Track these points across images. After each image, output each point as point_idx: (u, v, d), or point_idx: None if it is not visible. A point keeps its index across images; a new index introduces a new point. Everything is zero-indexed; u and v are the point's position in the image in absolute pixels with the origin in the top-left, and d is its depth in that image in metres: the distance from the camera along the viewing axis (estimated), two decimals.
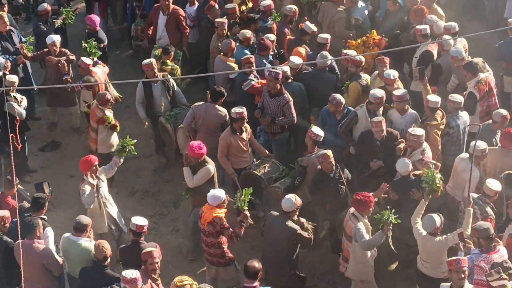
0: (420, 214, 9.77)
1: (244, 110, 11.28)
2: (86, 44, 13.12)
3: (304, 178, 10.93)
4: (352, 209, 9.86)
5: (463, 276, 8.52)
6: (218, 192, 10.00)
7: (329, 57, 12.34)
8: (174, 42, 14.06)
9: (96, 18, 14.06)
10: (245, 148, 11.49)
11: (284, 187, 11.03)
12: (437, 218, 9.49)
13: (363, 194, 9.76)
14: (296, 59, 12.35)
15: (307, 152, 11.06)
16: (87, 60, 12.84)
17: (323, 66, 12.35)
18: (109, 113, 12.12)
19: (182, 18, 14.27)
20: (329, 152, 10.54)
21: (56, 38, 13.36)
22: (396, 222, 9.52)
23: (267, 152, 11.69)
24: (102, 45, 13.68)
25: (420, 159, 10.54)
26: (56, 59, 13.20)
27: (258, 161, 11.64)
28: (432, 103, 11.14)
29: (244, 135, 11.43)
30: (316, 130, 10.98)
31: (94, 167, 10.68)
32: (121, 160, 11.19)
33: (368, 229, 9.72)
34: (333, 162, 10.54)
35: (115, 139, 12.20)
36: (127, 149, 11.03)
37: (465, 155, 10.67)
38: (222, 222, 9.85)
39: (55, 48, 13.27)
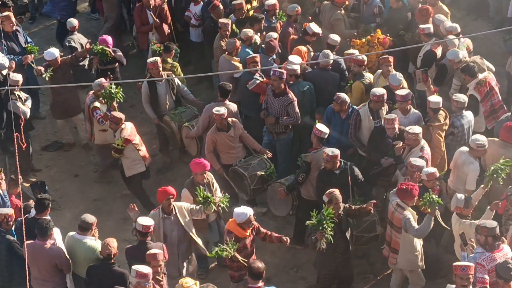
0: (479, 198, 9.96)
1: (223, 112, 11.32)
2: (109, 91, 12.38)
3: (308, 175, 10.92)
4: (397, 200, 9.81)
5: (466, 284, 8.42)
6: (243, 210, 9.71)
7: (331, 55, 12.35)
8: (166, 38, 14.26)
9: (109, 39, 13.48)
10: (232, 144, 11.51)
11: (288, 184, 11.07)
12: (461, 197, 9.58)
13: (408, 183, 9.75)
14: (295, 59, 12.34)
15: (312, 149, 11.06)
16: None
17: (326, 64, 12.35)
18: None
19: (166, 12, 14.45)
20: (331, 152, 10.51)
21: (57, 52, 13.10)
22: (439, 201, 9.48)
23: (261, 148, 11.66)
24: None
25: (420, 156, 10.52)
26: None
27: (248, 157, 11.67)
28: (433, 103, 11.14)
29: (232, 132, 11.45)
30: (321, 127, 10.98)
31: (167, 200, 10.02)
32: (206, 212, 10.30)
33: (414, 218, 9.67)
34: (337, 161, 10.52)
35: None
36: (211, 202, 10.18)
37: (464, 148, 10.69)
38: (230, 237, 9.63)
39: (57, 61, 13.04)
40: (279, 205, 11.31)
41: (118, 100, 12.42)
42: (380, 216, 10.59)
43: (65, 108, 13.25)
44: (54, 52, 13.03)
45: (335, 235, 9.57)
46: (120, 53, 13.50)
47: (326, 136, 10.97)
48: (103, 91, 12.32)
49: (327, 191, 9.76)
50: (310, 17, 13.97)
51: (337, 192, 9.72)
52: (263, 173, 11.39)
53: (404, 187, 9.68)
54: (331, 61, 12.30)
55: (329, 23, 13.75)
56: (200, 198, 10.09)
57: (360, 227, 10.39)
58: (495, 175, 9.89)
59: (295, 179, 11.02)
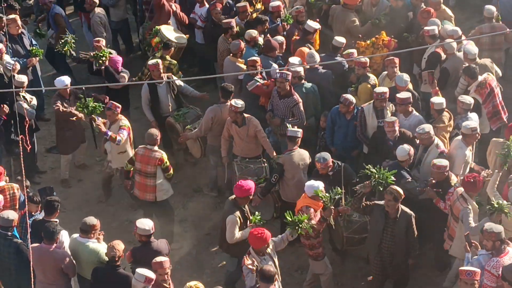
0: (495, 183, 10.00)
1: (240, 105, 11.38)
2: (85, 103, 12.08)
3: (281, 176, 10.94)
4: (460, 190, 9.88)
5: None
6: (314, 183, 9.87)
7: (316, 55, 12.39)
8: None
9: (119, 58, 13.22)
10: (241, 140, 11.57)
11: (263, 187, 11.12)
12: None
13: (473, 175, 9.83)
14: (295, 60, 12.37)
15: (286, 150, 11.10)
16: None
17: (313, 66, 12.35)
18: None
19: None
20: (323, 159, 10.54)
21: (68, 80, 12.44)
22: (508, 212, 9.52)
23: (274, 155, 11.53)
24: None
25: (440, 152, 10.58)
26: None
27: (254, 159, 11.69)
28: (437, 105, 11.19)
29: (244, 128, 11.50)
30: (293, 129, 11.08)
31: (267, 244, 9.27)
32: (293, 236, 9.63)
33: (475, 211, 9.75)
34: (329, 166, 10.58)
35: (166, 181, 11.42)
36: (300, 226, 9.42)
37: (460, 136, 10.84)
38: (308, 212, 9.68)
39: (67, 91, 12.36)
40: (261, 209, 11.08)
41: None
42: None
43: (72, 141, 12.81)
44: (64, 80, 12.39)
45: (383, 231, 9.70)
46: (124, 75, 13.16)
47: (299, 138, 11.01)
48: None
49: (389, 186, 9.83)
50: (317, 20, 13.96)
51: (394, 191, 9.69)
52: (254, 180, 11.28)
53: (472, 180, 9.75)
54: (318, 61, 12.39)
55: (344, 27, 13.75)
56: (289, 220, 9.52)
57: (350, 228, 10.41)
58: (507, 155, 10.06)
59: (268, 180, 11.06)
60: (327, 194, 9.63)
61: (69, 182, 13.09)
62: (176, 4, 14.66)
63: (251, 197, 10.16)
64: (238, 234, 9.93)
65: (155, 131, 11.27)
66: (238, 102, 11.43)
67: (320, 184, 9.84)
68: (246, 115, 11.58)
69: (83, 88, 12.34)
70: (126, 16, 15.91)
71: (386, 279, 10.28)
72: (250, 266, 9.07)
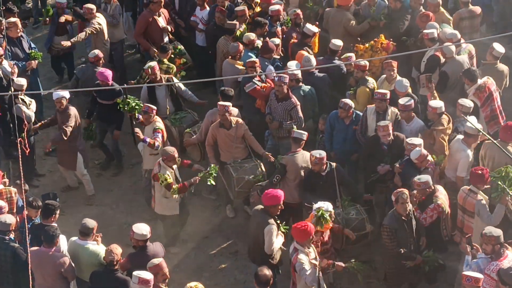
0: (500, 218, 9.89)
1: (228, 104, 11.38)
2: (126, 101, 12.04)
3: (283, 176, 10.93)
4: (467, 187, 9.97)
5: None
6: (325, 205, 9.73)
7: (313, 60, 12.39)
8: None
9: (109, 72, 12.66)
10: (231, 143, 11.54)
11: (263, 186, 11.06)
12: None
13: (480, 168, 9.95)
14: (294, 64, 12.37)
15: (290, 152, 11.10)
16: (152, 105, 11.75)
17: (308, 70, 12.35)
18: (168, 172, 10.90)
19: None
20: (319, 154, 10.59)
21: (65, 93, 12.16)
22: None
23: (264, 152, 11.60)
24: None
25: (424, 169, 10.53)
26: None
27: (245, 159, 11.66)
28: (437, 109, 11.16)
29: (232, 131, 11.47)
30: (298, 131, 11.08)
31: (311, 237, 9.32)
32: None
33: (486, 201, 9.82)
34: (324, 163, 10.62)
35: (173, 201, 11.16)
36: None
37: (460, 136, 10.86)
38: (319, 236, 9.63)
39: (61, 105, 12.08)
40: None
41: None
42: (370, 217, 10.74)
43: (61, 158, 12.65)
44: (60, 93, 12.16)
45: (402, 233, 9.68)
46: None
47: (303, 140, 11.01)
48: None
49: (395, 191, 9.82)
50: (317, 22, 13.95)
51: (405, 192, 9.72)
52: (251, 178, 11.34)
53: (480, 172, 9.83)
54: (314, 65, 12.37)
55: (341, 28, 13.76)
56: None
57: (349, 226, 10.43)
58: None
59: (269, 181, 11.03)
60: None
61: (74, 188, 13.04)
62: (164, 10, 14.47)
63: (280, 206, 9.90)
64: (276, 243, 9.83)
65: (171, 150, 11.01)
66: (226, 103, 11.43)
67: (329, 206, 9.76)
68: (232, 118, 11.57)
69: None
70: (124, 36, 15.54)
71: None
72: (302, 261, 9.04)
